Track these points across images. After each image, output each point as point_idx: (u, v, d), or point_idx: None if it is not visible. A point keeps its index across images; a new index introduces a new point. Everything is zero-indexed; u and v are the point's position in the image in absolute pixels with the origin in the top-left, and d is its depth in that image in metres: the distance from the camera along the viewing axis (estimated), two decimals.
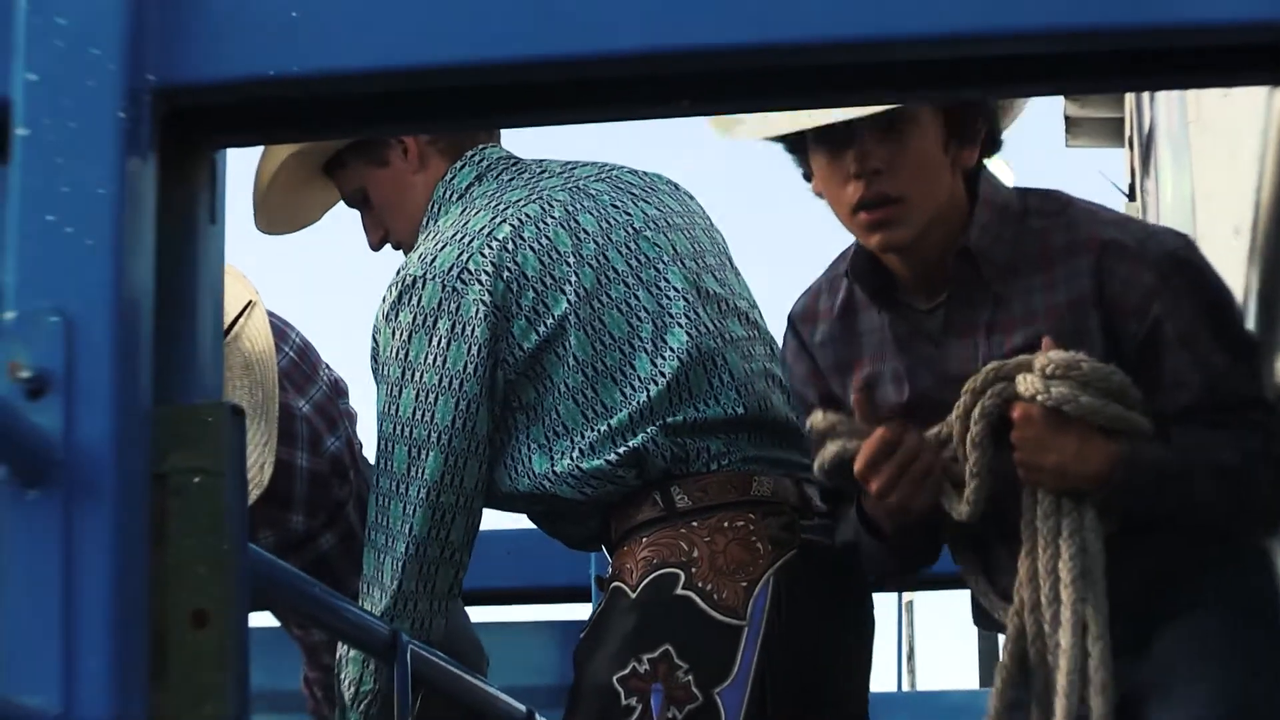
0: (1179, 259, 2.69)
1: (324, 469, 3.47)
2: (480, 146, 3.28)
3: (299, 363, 3.51)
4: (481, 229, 3.10)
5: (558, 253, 3.09)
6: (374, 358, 3.14)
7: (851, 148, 2.69)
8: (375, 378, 3.14)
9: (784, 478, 3.05)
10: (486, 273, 3.05)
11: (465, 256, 3.07)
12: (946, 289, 2.76)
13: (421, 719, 2.93)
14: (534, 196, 3.17)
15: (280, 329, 3.47)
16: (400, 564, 3.05)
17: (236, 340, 3.24)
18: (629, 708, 2.90)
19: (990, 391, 2.64)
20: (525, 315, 3.05)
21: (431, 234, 3.17)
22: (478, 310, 3.04)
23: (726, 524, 2.99)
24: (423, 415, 3.05)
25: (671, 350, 3.06)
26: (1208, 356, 2.65)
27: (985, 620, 2.85)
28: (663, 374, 3.04)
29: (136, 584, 1.59)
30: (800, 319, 2.93)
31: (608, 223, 3.15)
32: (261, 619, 3.58)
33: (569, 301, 3.06)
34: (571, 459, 3.04)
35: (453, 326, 3.05)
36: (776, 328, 3.23)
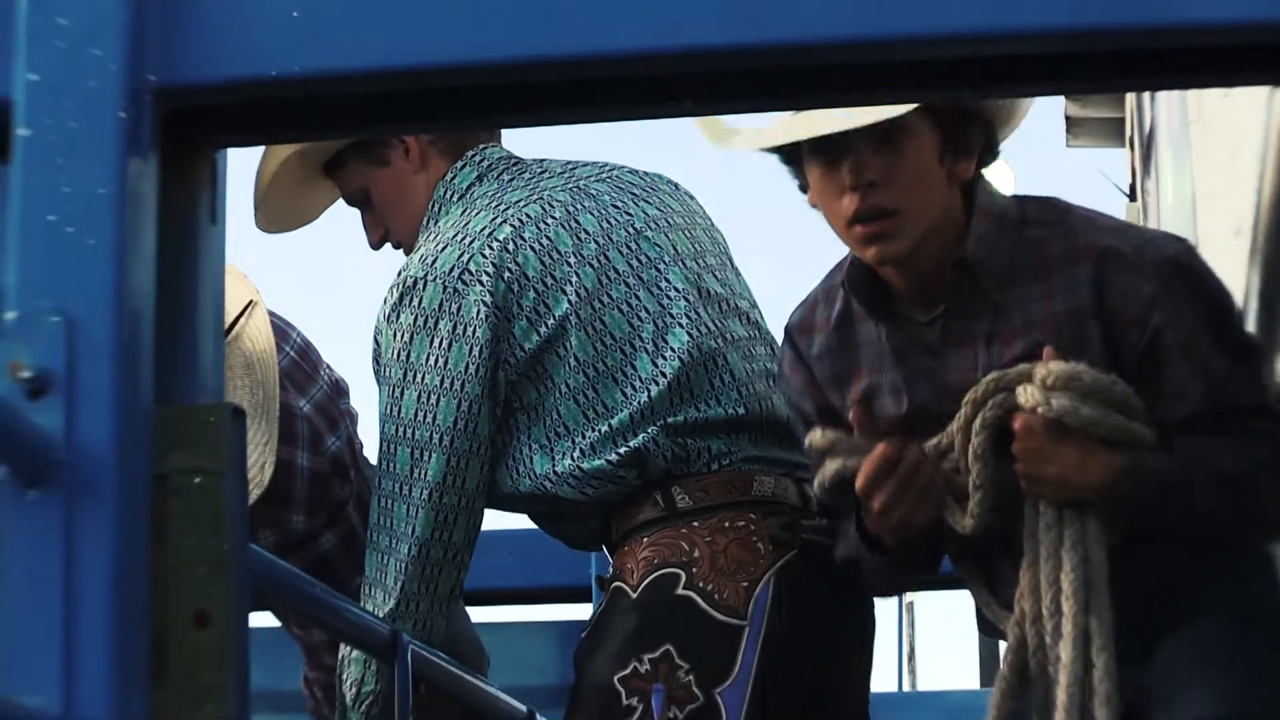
0: (1179, 264, 2.67)
1: (325, 468, 3.47)
2: (481, 146, 3.28)
3: (300, 362, 3.51)
4: (482, 229, 3.10)
5: (559, 253, 3.09)
6: (375, 359, 3.14)
7: (847, 159, 2.67)
8: (377, 379, 3.14)
9: (785, 477, 3.05)
10: (488, 273, 3.05)
11: (466, 257, 3.07)
12: (944, 300, 2.73)
13: (421, 719, 2.93)
14: (535, 197, 3.17)
15: (281, 329, 3.47)
16: (404, 565, 3.06)
17: (237, 340, 3.24)
18: (630, 707, 2.90)
19: (991, 402, 2.62)
20: (526, 316, 3.05)
21: (432, 235, 3.17)
22: (479, 311, 3.04)
23: (727, 524, 2.99)
24: (424, 416, 3.06)
25: (673, 350, 3.06)
26: (1209, 364, 2.63)
27: (990, 629, 2.83)
28: (664, 374, 3.04)
29: (137, 584, 1.59)
30: (797, 330, 2.91)
31: (609, 223, 3.15)
32: (262, 619, 3.59)
33: (570, 302, 3.06)
34: (572, 459, 3.04)
35: (454, 327, 3.05)
36: (776, 328, 3.24)
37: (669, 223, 3.21)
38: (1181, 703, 2.60)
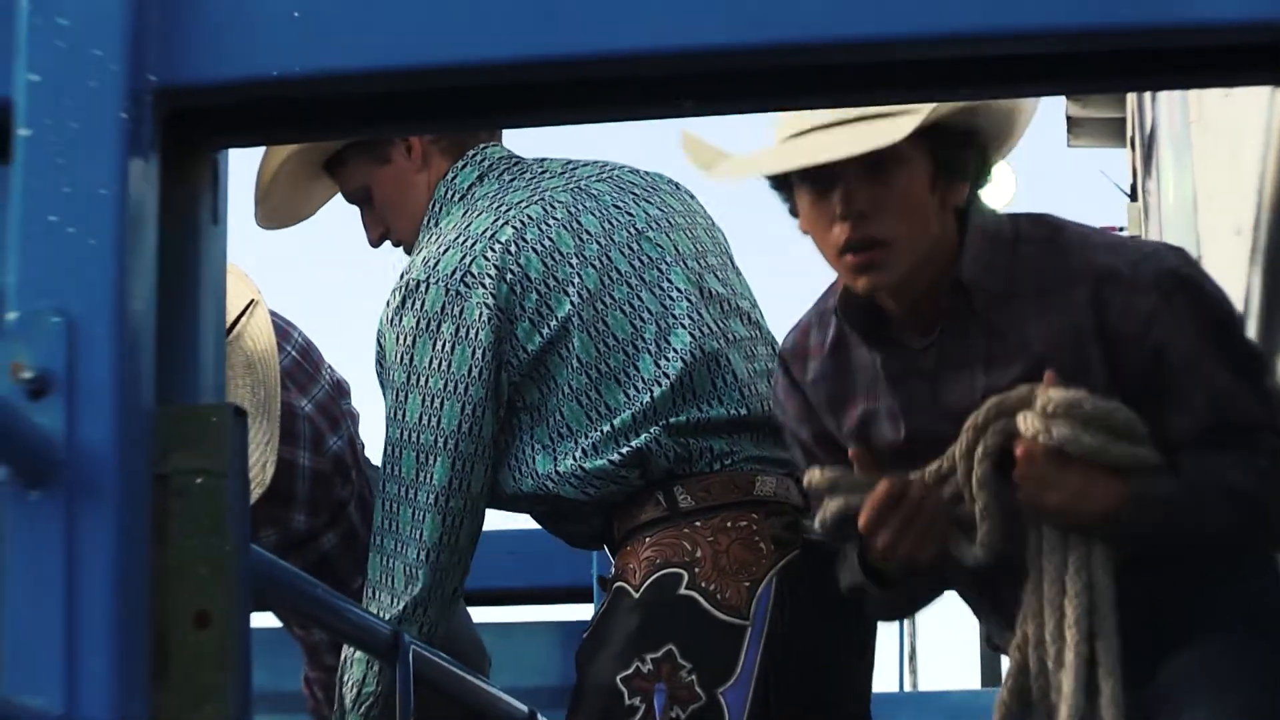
0: (1177, 277, 2.63)
1: (326, 468, 3.47)
2: (481, 145, 3.28)
3: (301, 362, 3.51)
4: (484, 231, 3.10)
5: (560, 254, 3.09)
6: (379, 362, 3.14)
7: (837, 188, 2.62)
8: (380, 382, 3.14)
9: (787, 477, 3.05)
10: (490, 276, 3.06)
11: (468, 260, 3.07)
12: (939, 323, 2.69)
13: (423, 719, 2.93)
14: (536, 198, 3.17)
15: (283, 328, 3.48)
16: (412, 570, 3.06)
17: (239, 339, 3.24)
18: (632, 707, 2.91)
19: (992, 429, 2.58)
20: (529, 317, 3.06)
21: (433, 236, 3.17)
22: (481, 314, 3.04)
23: (730, 524, 2.99)
24: (429, 420, 3.06)
25: (675, 351, 3.06)
26: (1213, 378, 2.60)
27: (996, 646, 2.82)
28: (666, 375, 3.04)
29: (138, 585, 1.59)
30: (791, 356, 2.86)
31: (610, 223, 3.15)
32: (262, 619, 3.59)
33: (572, 303, 3.06)
34: (575, 459, 3.04)
35: (457, 330, 3.05)
36: (776, 328, 3.24)
37: (670, 223, 3.21)
38: (1188, 714, 2.58)
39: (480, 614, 4.13)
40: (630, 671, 2.93)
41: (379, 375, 3.15)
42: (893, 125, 2.56)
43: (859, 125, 2.59)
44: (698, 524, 3.00)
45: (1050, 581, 2.57)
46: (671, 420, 3.02)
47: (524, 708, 3.49)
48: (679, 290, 3.12)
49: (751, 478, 3.04)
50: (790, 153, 2.64)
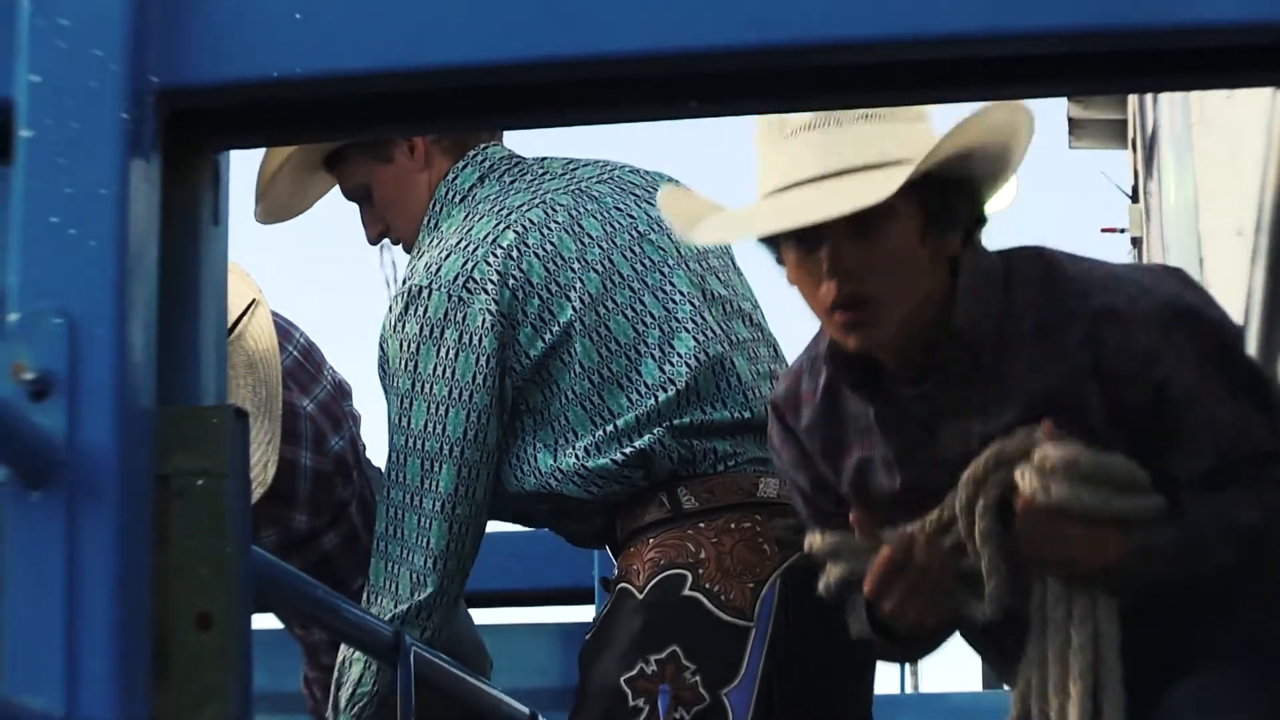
0: (1176, 310, 2.56)
1: (328, 468, 3.47)
2: (482, 145, 3.27)
3: (303, 362, 3.51)
4: (486, 236, 3.10)
5: (562, 259, 3.09)
6: (382, 368, 3.14)
7: (824, 245, 2.53)
8: (384, 388, 3.14)
9: None
10: (492, 281, 3.05)
11: (470, 265, 3.07)
12: (934, 370, 2.62)
13: None
14: (537, 200, 3.16)
15: (284, 328, 3.48)
16: (420, 576, 3.06)
17: (240, 339, 3.24)
18: (636, 708, 2.91)
19: (991, 480, 2.51)
20: (531, 323, 3.05)
21: (435, 239, 3.17)
22: (484, 319, 3.04)
23: (733, 525, 2.99)
24: (434, 428, 3.05)
25: (679, 356, 3.06)
26: (1215, 414, 2.54)
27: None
28: (671, 381, 3.04)
29: (139, 585, 1.60)
30: (784, 403, 2.80)
31: (612, 226, 3.15)
32: (264, 620, 3.59)
33: (574, 308, 3.06)
34: (578, 458, 3.04)
35: (460, 336, 3.05)
36: (777, 329, 3.24)
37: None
38: None
39: (482, 615, 4.13)
40: (634, 672, 2.93)
41: (382, 380, 3.14)
42: (881, 180, 2.49)
43: (845, 179, 2.53)
44: (701, 525, 3.00)
45: (1055, 632, 2.52)
46: (675, 422, 3.02)
47: (525, 710, 3.49)
48: (682, 293, 3.12)
49: (755, 479, 3.04)
50: (775, 210, 2.56)
